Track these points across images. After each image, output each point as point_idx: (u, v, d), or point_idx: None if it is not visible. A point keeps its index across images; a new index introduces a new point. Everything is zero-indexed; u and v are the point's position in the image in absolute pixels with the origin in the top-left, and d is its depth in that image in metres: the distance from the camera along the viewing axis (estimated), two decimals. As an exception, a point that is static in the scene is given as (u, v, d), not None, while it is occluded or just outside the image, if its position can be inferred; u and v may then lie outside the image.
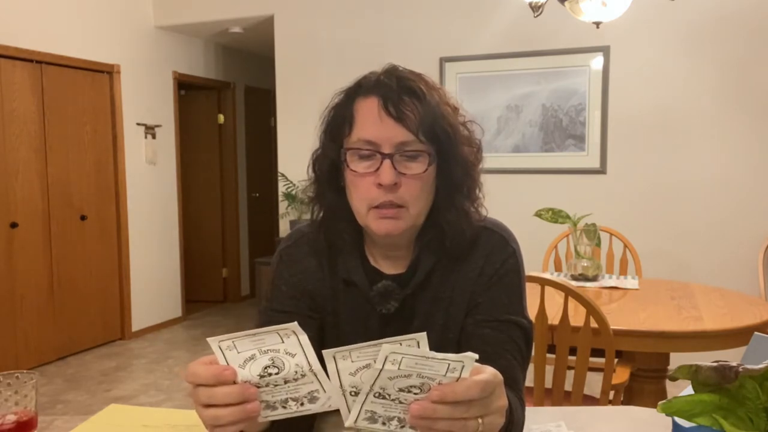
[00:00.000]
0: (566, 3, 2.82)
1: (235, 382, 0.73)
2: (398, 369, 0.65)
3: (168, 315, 5.52)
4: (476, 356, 0.65)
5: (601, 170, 4.15)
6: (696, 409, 0.73)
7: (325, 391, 0.73)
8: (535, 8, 2.93)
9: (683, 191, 3.99)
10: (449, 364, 0.65)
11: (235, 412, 0.72)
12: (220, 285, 6.40)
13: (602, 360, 2.03)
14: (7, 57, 4.12)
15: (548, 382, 2.06)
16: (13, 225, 4.18)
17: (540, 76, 4.24)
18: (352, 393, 0.70)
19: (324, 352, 0.68)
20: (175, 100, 5.57)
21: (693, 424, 0.74)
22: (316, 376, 0.72)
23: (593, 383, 2.62)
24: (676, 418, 0.76)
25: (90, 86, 4.75)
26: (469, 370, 0.66)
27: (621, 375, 2.38)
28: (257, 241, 6.64)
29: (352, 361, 0.68)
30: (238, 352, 0.72)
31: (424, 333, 0.66)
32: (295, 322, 0.70)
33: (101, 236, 4.86)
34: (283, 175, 4.87)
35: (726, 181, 3.90)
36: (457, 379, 0.66)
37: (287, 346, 0.71)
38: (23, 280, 4.25)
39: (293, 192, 4.76)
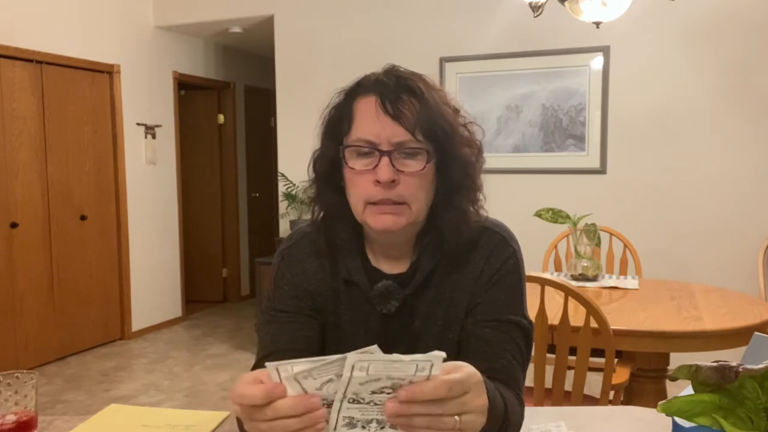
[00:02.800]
0: (566, 3, 2.82)
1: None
2: (366, 375, 0.66)
3: (168, 315, 5.52)
4: (444, 355, 0.66)
5: (601, 170, 4.15)
6: (696, 409, 0.73)
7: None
8: (535, 8, 2.93)
9: (683, 191, 3.99)
10: (417, 364, 0.66)
11: (305, 419, 0.69)
12: (220, 285, 6.40)
13: (602, 360, 2.03)
14: (7, 57, 4.12)
15: (548, 382, 2.06)
16: (13, 225, 4.18)
17: (540, 76, 4.24)
18: (325, 404, 0.69)
19: (283, 377, 0.67)
20: (175, 100, 5.56)
21: (693, 424, 0.74)
22: None
23: (593, 383, 2.62)
24: (676, 418, 0.76)
25: (90, 86, 4.75)
26: (438, 369, 0.67)
27: (621, 375, 2.38)
28: (257, 241, 6.64)
29: (314, 379, 0.67)
30: (314, 379, 0.69)
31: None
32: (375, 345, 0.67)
33: (101, 236, 4.86)
34: (283, 175, 4.87)
35: (726, 181, 3.90)
36: (428, 378, 0.67)
37: None
38: (23, 280, 4.25)
39: (293, 192, 4.76)
